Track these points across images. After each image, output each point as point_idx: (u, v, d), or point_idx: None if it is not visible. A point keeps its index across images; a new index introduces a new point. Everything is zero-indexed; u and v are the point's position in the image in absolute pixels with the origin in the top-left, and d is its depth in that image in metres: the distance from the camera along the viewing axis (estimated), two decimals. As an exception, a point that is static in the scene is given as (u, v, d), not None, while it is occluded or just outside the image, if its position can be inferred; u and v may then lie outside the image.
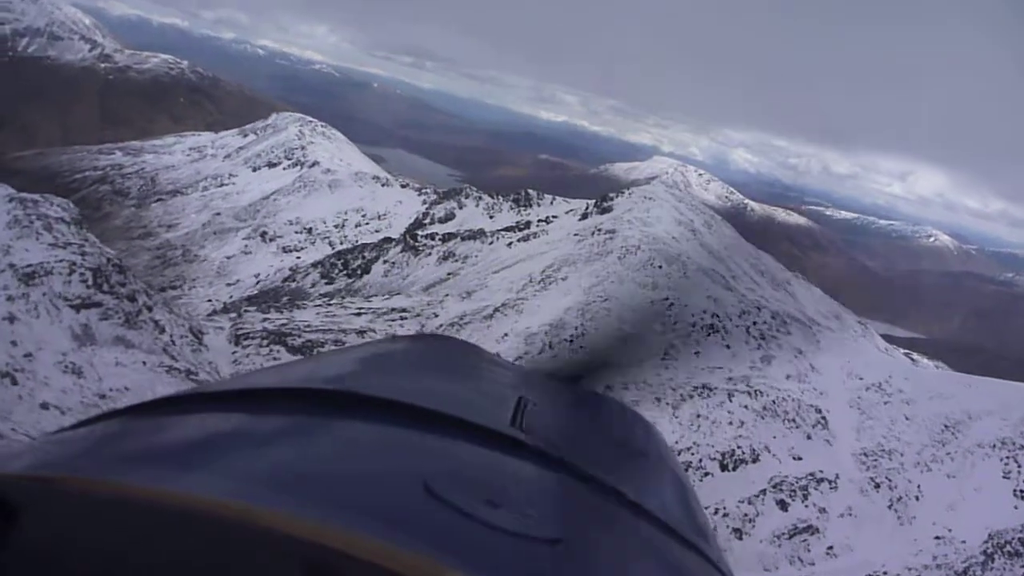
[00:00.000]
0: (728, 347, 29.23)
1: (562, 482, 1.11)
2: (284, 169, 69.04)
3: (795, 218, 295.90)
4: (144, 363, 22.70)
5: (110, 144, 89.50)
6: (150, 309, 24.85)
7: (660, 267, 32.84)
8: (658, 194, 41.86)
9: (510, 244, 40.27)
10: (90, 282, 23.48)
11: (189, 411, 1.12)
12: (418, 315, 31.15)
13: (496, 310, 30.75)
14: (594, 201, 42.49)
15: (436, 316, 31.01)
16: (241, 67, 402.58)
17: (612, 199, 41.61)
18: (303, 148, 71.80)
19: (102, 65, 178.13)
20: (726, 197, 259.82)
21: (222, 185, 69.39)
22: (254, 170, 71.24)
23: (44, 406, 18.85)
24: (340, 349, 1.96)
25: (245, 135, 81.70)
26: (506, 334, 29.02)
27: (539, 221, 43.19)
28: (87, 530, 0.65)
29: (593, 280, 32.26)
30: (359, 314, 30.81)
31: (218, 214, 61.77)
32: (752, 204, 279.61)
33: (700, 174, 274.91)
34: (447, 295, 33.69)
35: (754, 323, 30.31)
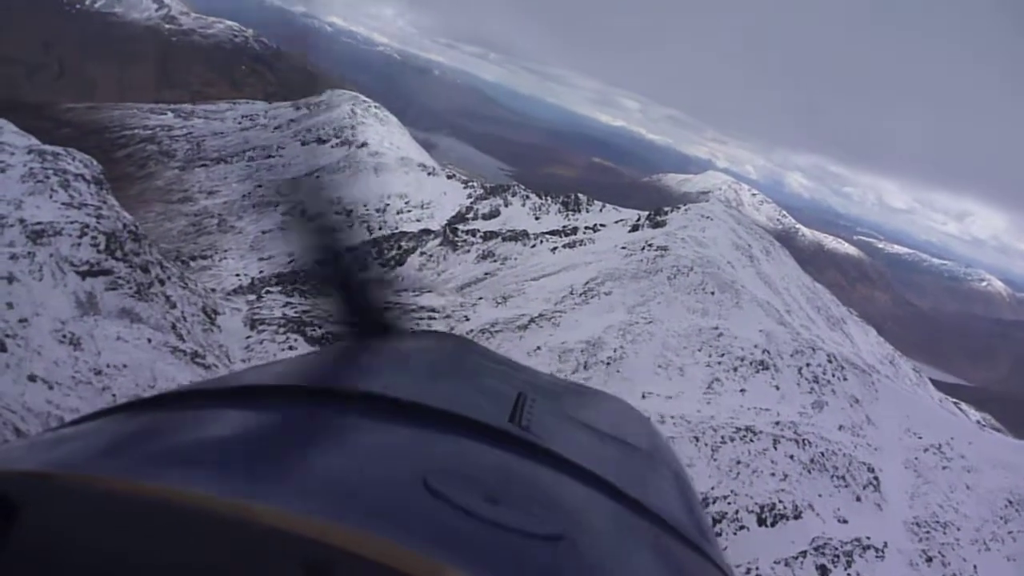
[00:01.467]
0: (777, 388, 26.93)
1: (562, 479, 1.09)
2: (332, 147, 67.71)
3: (845, 247, 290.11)
4: (149, 340, 21.06)
5: (163, 104, 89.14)
6: (163, 283, 23.22)
7: (712, 293, 30.56)
8: (716, 213, 39.38)
9: (554, 249, 38.19)
10: (102, 247, 21.88)
11: (190, 407, 1.11)
12: (448, 316, 29.29)
13: (532, 320, 28.74)
14: (647, 214, 40.23)
15: (467, 320, 29.10)
16: (307, 41, 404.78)
17: (666, 213, 39.27)
18: (353, 128, 70.46)
19: (167, 26, 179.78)
20: (778, 219, 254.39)
21: (269, 157, 68.36)
22: (303, 144, 70.10)
23: (32, 378, 17.28)
24: (339, 347, 1.95)
25: (298, 108, 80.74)
26: (539, 347, 27.04)
27: (586, 228, 41.06)
28: (88, 526, 0.66)
29: (638, 299, 30.11)
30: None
31: (260, 186, 60.57)
32: (803, 229, 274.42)
33: (753, 193, 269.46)
34: (481, 298, 31.75)
35: (807, 364, 27.95)
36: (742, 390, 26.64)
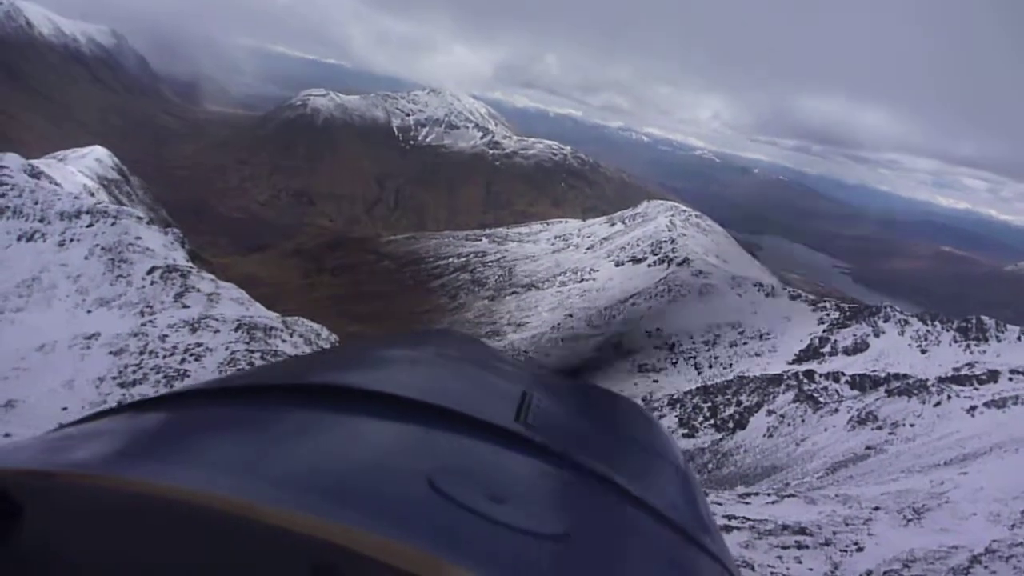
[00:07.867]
0: None
1: (566, 477, 1.12)
2: (649, 266, 60.08)
3: None
4: None
5: (479, 230, 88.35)
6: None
7: None
8: None
9: (971, 409, 26.06)
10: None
11: (192, 407, 1.13)
12: (825, 542, 18.75)
13: (975, 559, 17.33)
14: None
15: (858, 549, 18.41)
16: (624, 153, 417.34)
17: None
18: (672, 241, 62.40)
19: (491, 152, 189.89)
20: None
21: (581, 280, 62.44)
22: (617, 265, 63.35)
23: None
24: (344, 345, 1.95)
25: (612, 223, 74.88)
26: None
27: (1013, 372, 28.40)
28: (91, 525, 0.66)
29: None
30: (726, 526, 19.17)
31: (570, 315, 54.19)
32: None
33: None
34: (877, 508, 20.65)
35: None
36: None
